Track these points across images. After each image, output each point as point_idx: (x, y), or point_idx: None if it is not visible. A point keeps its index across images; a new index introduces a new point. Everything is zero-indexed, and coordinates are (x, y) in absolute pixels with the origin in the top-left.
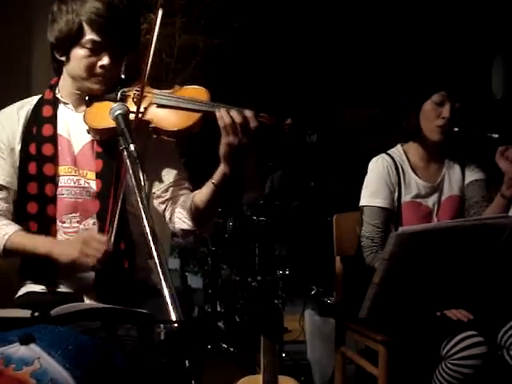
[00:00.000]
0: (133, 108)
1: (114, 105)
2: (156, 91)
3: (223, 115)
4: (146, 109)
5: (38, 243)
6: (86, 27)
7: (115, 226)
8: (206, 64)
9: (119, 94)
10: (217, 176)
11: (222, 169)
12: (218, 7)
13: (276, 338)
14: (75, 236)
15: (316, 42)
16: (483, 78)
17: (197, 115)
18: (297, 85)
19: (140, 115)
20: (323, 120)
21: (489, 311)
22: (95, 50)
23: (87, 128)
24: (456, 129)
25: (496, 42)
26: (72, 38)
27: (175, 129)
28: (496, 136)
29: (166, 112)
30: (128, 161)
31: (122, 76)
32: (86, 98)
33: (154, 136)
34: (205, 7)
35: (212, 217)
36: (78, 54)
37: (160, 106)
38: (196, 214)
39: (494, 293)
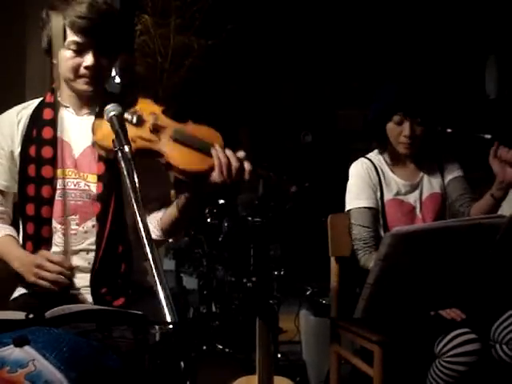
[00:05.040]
0: (146, 134)
1: (109, 106)
2: (174, 125)
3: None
4: (161, 140)
5: (10, 254)
6: (68, 29)
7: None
8: (200, 65)
9: (135, 118)
10: (181, 201)
11: (186, 196)
12: (212, 9)
13: (270, 320)
14: (29, 259)
15: (310, 43)
16: (477, 78)
17: (211, 160)
18: (291, 86)
19: (154, 146)
20: (317, 121)
21: (482, 309)
22: (78, 51)
23: (93, 142)
24: (449, 130)
25: (489, 41)
26: (57, 40)
27: (190, 169)
28: (488, 137)
29: (181, 149)
30: (122, 162)
31: (117, 80)
32: (97, 110)
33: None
34: (199, 8)
35: (181, 229)
36: (64, 55)
37: (176, 140)
38: (166, 226)
39: (488, 291)
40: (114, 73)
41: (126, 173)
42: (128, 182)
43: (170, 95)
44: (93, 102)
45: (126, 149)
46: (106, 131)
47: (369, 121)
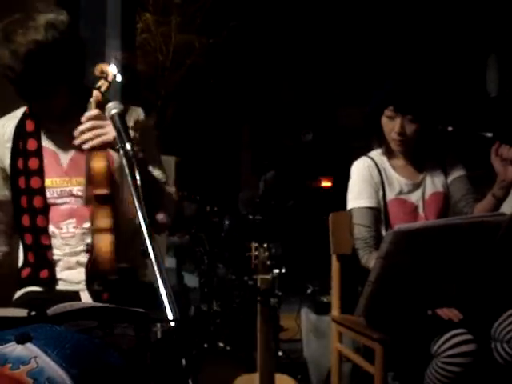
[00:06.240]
0: None
1: (110, 103)
2: None
3: None
4: None
5: None
6: None
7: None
8: (201, 63)
9: None
10: None
11: None
12: (213, 7)
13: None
14: None
15: (311, 41)
16: (478, 77)
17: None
18: (291, 84)
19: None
20: (318, 119)
21: (481, 308)
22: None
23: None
24: (450, 128)
25: (490, 40)
26: None
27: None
28: (490, 135)
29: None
30: (124, 159)
31: (119, 78)
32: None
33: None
34: (200, 7)
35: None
36: None
37: None
38: None
39: (488, 290)
40: (115, 70)
41: (127, 170)
42: (129, 178)
43: (172, 93)
44: (73, 107)
45: (128, 146)
46: None
47: (366, 114)
